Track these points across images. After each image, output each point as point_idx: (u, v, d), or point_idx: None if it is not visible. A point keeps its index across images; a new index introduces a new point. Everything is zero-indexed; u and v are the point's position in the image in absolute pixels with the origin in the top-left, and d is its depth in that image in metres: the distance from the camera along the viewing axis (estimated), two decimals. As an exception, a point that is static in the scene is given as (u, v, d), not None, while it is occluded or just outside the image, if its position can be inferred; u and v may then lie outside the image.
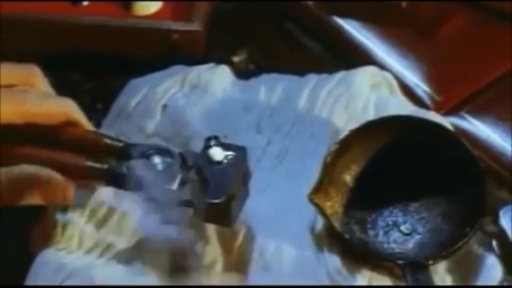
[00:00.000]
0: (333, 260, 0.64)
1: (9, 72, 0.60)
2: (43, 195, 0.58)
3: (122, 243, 0.66)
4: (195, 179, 0.59)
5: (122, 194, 0.65)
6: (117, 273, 0.64)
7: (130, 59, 0.82)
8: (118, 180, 0.60)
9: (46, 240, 0.66)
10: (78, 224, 0.66)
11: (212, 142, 0.60)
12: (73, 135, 0.61)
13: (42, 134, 0.60)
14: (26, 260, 0.66)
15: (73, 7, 0.83)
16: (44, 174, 0.58)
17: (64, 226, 0.66)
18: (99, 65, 0.81)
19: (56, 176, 0.58)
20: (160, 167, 0.60)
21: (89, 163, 0.59)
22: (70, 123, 0.60)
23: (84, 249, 0.66)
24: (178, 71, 0.78)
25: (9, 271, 0.67)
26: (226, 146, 0.60)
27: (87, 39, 0.82)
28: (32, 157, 0.59)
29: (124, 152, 0.61)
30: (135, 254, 0.65)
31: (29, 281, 0.64)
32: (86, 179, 0.61)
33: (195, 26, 0.82)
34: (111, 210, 0.67)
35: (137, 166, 0.60)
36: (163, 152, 0.61)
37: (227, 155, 0.60)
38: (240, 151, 0.61)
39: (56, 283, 0.63)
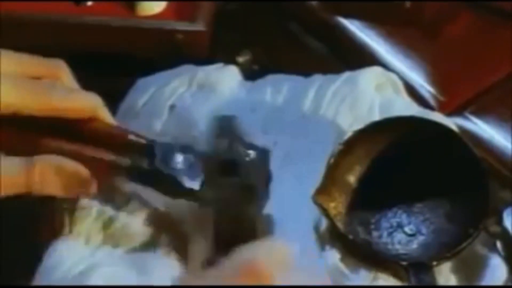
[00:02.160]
0: (336, 258, 0.65)
1: (36, 64, 0.60)
2: (65, 187, 0.58)
3: (130, 240, 0.66)
4: (216, 178, 0.59)
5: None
6: (125, 271, 0.64)
7: (134, 59, 0.82)
8: (140, 177, 0.60)
9: (55, 235, 0.66)
10: (86, 221, 0.66)
11: (235, 142, 0.60)
12: (98, 130, 0.61)
13: (68, 127, 0.60)
14: (34, 254, 0.66)
15: (77, 7, 0.83)
16: (69, 165, 0.58)
17: (73, 222, 0.66)
18: (102, 65, 0.81)
19: (81, 168, 0.58)
20: (183, 164, 0.60)
21: (112, 158, 0.59)
22: (95, 118, 0.61)
23: (92, 247, 0.66)
24: (186, 71, 0.78)
25: (18, 266, 0.67)
26: (249, 146, 0.61)
27: (91, 39, 0.82)
28: (57, 149, 0.59)
29: (148, 149, 0.61)
30: (144, 252, 0.65)
31: (38, 276, 0.64)
32: (109, 174, 0.61)
33: (199, 26, 0.82)
34: (120, 207, 0.67)
35: (159, 163, 0.60)
36: (186, 149, 0.61)
37: (249, 155, 0.61)
38: (263, 153, 0.61)
39: (67, 280, 0.63)
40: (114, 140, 0.61)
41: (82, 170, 0.59)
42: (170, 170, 0.59)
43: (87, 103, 0.60)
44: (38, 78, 0.60)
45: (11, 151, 0.59)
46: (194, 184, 0.59)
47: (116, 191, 0.66)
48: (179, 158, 0.60)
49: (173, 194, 0.61)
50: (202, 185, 0.59)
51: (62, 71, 0.62)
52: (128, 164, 0.60)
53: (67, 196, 0.61)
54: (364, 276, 0.64)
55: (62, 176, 0.58)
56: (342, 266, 0.64)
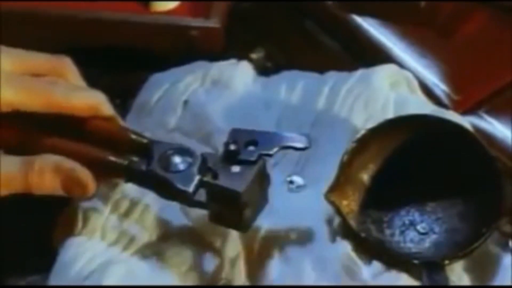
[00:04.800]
0: (348, 248, 0.65)
1: (40, 61, 0.60)
2: (64, 185, 0.58)
3: (145, 236, 0.66)
4: (211, 182, 0.59)
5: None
6: (140, 268, 0.64)
7: (148, 55, 0.82)
8: (137, 178, 0.61)
9: (69, 231, 0.66)
10: (101, 217, 0.67)
11: (232, 146, 0.60)
12: (98, 129, 0.61)
13: (68, 126, 0.60)
14: (49, 250, 0.66)
15: (92, 2, 0.83)
16: (67, 164, 0.58)
17: (87, 218, 0.66)
18: (117, 61, 0.82)
19: (79, 168, 0.58)
20: (179, 167, 0.60)
21: (110, 158, 0.59)
22: (97, 117, 0.60)
23: (107, 242, 0.66)
24: (200, 66, 0.78)
25: (33, 263, 0.68)
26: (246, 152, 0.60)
27: (106, 35, 0.82)
28: (57, 148, 0.59)
29: (147, 149, 0.61)
30: (159, 248, 0.66)
31: (54, 273, 0.64)
32: (107, 174, 0.61)
33: (213, 23, 0.82)
34: (134, 203, 0.68)
35: (156, 164, 0.60)
36: (184, 152, 0.61)
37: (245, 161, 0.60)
38: (260, 159, 0.61)
39: (82, 277, 0.63)
40: (115, 139, 0.61)
41: (81, 170, 0.58)
42: (165, 171, 0.59)
43: (90, 101, 0.60)
44: (42, 75, 0.60)
45: (11, 150, 0.59)
46: (187, 187, 0.59)
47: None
48: (176, 160, 0.60)
49: (167, 196, 0.61)
50: (196, 188, 0.59)
51: (66, 67, 0.61)
52: (126, 164, 0.60)
53: (66, 196, 0.61)
54: (376, 266, 0.64)
55: (61, 176, 0.58)
56: (354, 255, 0.64)
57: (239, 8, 0.87)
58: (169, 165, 0.60)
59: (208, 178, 0.59)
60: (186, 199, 0.60)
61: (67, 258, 0.65)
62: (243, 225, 0.61)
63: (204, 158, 0.60)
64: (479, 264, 0.65)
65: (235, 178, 0.59)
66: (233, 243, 0.65)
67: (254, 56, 0.84)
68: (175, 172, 0.59)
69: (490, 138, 0.74)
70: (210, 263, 0.65)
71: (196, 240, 0.66)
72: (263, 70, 0.81)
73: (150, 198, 0.67)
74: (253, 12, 0.89)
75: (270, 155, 0.60)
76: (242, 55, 0.82)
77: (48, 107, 0.58)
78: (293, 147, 0.61)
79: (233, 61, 0.79)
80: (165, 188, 0.60)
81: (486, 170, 0.66)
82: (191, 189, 0.59)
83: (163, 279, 0.64)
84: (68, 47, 0.66)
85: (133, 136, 0.62)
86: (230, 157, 0.60)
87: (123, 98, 0.78)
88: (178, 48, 0.82)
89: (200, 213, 0.67)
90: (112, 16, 0.82)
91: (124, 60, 0.82)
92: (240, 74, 0.77)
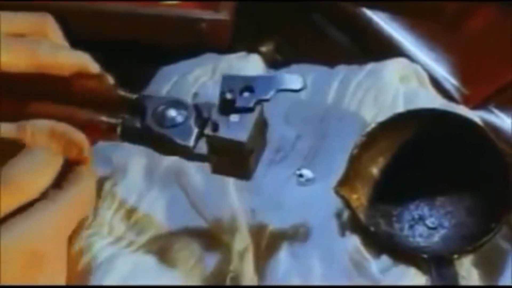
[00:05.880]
0: (357, 242, 0.65)
1: (20, 20, 0.57)
2: (58, 150, 0.55)
3: (152, 230, 0.66)
4: (213, 135, 0.57)
5: (152, 181, 0.65)
6: (147, 261, 0.64)
7: (156, 47, 0.82)
8: (132, 135, 0.58)
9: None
10: (108, 211, 0.67)
11: (229, 95, 0.57)
12: (85, 89, 0.58)
13: (55, 89, 0.57)
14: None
15: (101, -6, 0.83)
16: (58, 128, 0.55)
17: (95, 212, 0.66)
18: (126, 53, 0.81)
19: (71, 129, 0.56)
20: (175, 120, 0.57)
21: (102, 118, 0.57)
22: (84, 76, 0.58)
23: (114, 237, 0.66)
24: (209, 59, 0.78)
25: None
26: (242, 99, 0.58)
27: (116, 27, 0.82)
28: (46, 113, 0.56)
29: (139, 105, 0.58)
30: (166, 242, 0.66)
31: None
32: (101, 134, 0.58)
33: (222, 16, 0.82)
34: (141, 197, 0.68)
35: (151, 120, 0.57)
36: (177, 104, 0.58)
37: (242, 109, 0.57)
38: (257, 104, 0.58)
39: (91, 268, 0.63)
40: (104, 98, 0.58)
41: (75, 132, 0.56)
42: (161, 127, 0.57)
43: (76, 59, 0.57)
44: (24, 35, 0.57)
45: (1, 119, 0.57)
46: (187, 141, 0.57)
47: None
48: (171, 114, 0.58)
49: (166, 151, 0.59)
50: (196, 141, 0.57)
51: (48, 26, 0.58)
52: (118, 122, 0.57)
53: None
54: (385, 261, 0.64)
55: (55, 140, 0.55)
56: (363, 249, 0.64)
57: (248, 1, 0.87)
58: (164, 119, 0.57)
59: (208, 131, 0.57)
60: (186, 153, 0.58)
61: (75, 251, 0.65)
62: (246, 173, 0.59)
63: (199, 108, 0.58)
64: (488, 259, 0.65)
65: (236, 127, 0.57)
66: (242, 237, 0.65)
67: (263, 49, 0.83)
68: (171, 126, 0.57)
69: (499, 132, 0.74)
70: (217, 256, 0.65)
71: (203, 233, 0.66)
72: (273, 63, 0.81)
73: (157, 191, 0.67)
74: (262, 5, 0.89)
75: (267, 100, 0.58)
76: (250, 48, 0.82)
77: (33, 66, 0.55)
78: (289, 89, 0.58)
79: (242, 54, 0.78)
80: (163, 144, 0.58)
81: (495, 165, 0.66)
82: (191, 143, 0.57)
83: (170, 273, 0.64)
84: (75, 39, 0.66)
85: (122, 93, 0.59)
86: (226, 106, 0.57)
87: (131, 89, 0.78)
88: (187, 40, 0.82)
89: (208, 206, 0.67)
90: (120, 9, 0.82)
91: (132, 52, 0.82)
92: (249, 67, 0.77)
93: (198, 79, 0.76)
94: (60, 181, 0.52)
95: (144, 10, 0.82)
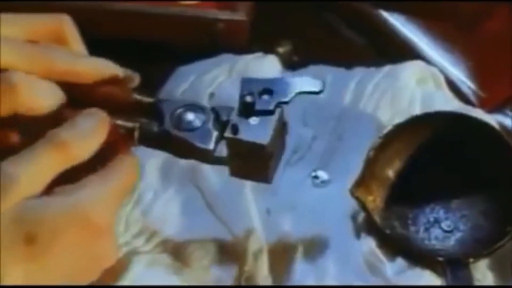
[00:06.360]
0: (372, 244, 0.65)
1: (37, 23, 0.55)
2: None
3: (168, 229, 0.67)
4: (233, 137, 0.56)
5: (169, 181, 0.65)
6: (162, 259, 0.64)
7: (173, 47, 0.82)
8: (150, 139, 0.57)
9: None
10: (124, 209, 0.67)
11: (248, 98, 0.56)
12: (102, 94, 0.56)
13: (71, 94, 0.57)
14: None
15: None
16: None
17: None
18: (143, 52, 0.82)
19: None
20: (194, 124, 0.57)
21: (119, 122, 0.56)
22: (102, 82, 0.56)
23: (131, 234, 0.66)
24: (226, 59, 0.78)
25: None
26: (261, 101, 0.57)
27: (133, 26, 0.82)
28: (62, 118, 0.54)
29: (155, 108, 0.58)
30: (181, 241, 0.66)
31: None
32: (118, 139, 0.57)
33: (239, 16, 0.82)
34: (157, 196, 0.68)
35: (169, 124, 0.56)
36: (195, 108, 0.57)
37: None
38: (277, 108, 0.57)
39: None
40: (119, 102, 0.57)
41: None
42: (180, 130, 0.56)
43: (94, 66, 0.55)
44: (40, 38, 0.55)
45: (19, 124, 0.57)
46: (207, 144, 0.56)
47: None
48: (189, 117, 0.57)
49: (184, 155, 0.58)
50: (215, 145, 0.56)
51: (66, 29, 0.57)
52: (136, 127, 0.56)
53: None
54: (400, 263, 0.64)
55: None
56: (378, 252, 0.64)
57: (264, 2, 0.87)
58: (183, 123, 0.56)
59: (228, 133, 0.56)
60: (205, 157, 0.57)
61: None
62: (266, 177, 0.59)
63: (217, 112, 0.57)
64: (503, 262, 0.65)
65: (256, 130, 0.56)
66: (257, 237, 0.65)
67: (280, 50, 0.83)
68: (190, 130, 0.56)
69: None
70: (232, 256, 0.65)
71: (218, 233, 0.66)
72: (289, 64, 0.81)
73: (173, 190, 0.67)
74: (279, 5, 0.89)
75: (286, 103, 0.57)
76: (267, 49, 0.82)
77: (51, 72, 0.53)
78: (308, 91, 0.57)
79: (259, 54, 0.79)
80: (182, 148, 0.57)
81: (511, 168, 0.66)
82: (211, 146, 0.56)
83: (186, 272, 0.64)
84: (92, 38, 0.66)
85: (139, 97, 0.58)
86: (246, 109, 0.57)
87: (147, 89, 0.78)
88: (204, 41, 0.82)
89: (223, 207, 0.67)
90: (138, 8, 0.82)
91: (150, 51, 0.82)
92: (266, 68, 0.77)
93: (214, 79, 0.76)
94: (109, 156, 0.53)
95: (161, 10, 0.82)
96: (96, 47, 0.64)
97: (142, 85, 0.70)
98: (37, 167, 0.47)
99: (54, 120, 0.53)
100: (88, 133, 0.50)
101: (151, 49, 0.81)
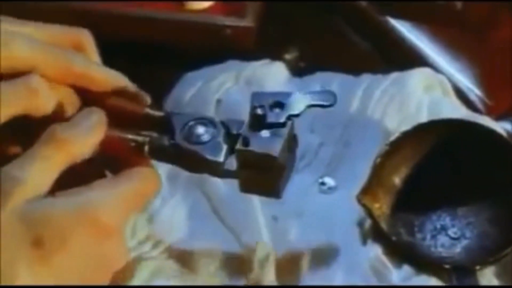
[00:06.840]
0: (378, 251, 0.65)
1: (57, 34, 0.56)
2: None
3: (174, 235, 0.67)
4: (244, 149, 0.56)
5: (176, 187, 0.65)
6: (168, 265, 0.64)
7: (181, 52, 0.82)
8: (160, 153, 0.57)
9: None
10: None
11: (259, 111, 0.56)
12: (111, 104, 0.57)
13: (84, 105, 0.58)
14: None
15: (128, 1, 0.83)
16: None
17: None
18: (149, 57, 0.82)
19: None
20: (204, 138, 0.57)
21: (129, 136, 0.56)
22: (115, 94, 0.57)
23: (137, 240, 0.66)
24: (233, 66, 0.78)
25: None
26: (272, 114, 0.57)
27: (142, 32, 0.82)
28: None
29: (166, 122, 0.57)
30: (188, 247, 0.66)
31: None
32: (129, 153, 0.57)
33: (246, 22, 0.82)
34: (164, 202, 0.68)
35: (180, 137, 0.56)
36: (205, 121, 0.57)
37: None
38: (288, 120, 0.57)
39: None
40: (129, 116, 0.57)
41: None
42: (190, 143, 0.56)
43: (109, 76, 0.56)
44: (60, 44, 0.56)
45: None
46: (218, 157, 0.56)
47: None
48: (199, 131, 0.57)
49: (195, 169, 0.58)
50: (225, 158, 0.56)
51: (85, 41, 0.58)
52: (147, 141, 0.56)
53: None
54: (406, 270, 0.64)
55: None
56: (385, 258, 0.64)
57: (272, 8, 0.87)
58: (193, 136, 0.56)
59: (239, 146, 0.56)
60: (216, 170, 0.57)
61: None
62: (276, 191, 0.58)
63: (227, 126, 0.57)
64: (510, 270, 0.65)
65: (267, 142, 0.56)
66: (263, 244, 0.65)
67: (287, 56, 0.84)
68: (201, 143, 0.56)
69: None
70: (239, 263, 0.65)
71: (225, 240, 0.66)
72: (296, 70, 0.81)
73: (180, 196, 0.67)
74: (285, 12, 0.89)
75: (297, 116, 0.57)
76: (274, 55, 0.82)
77: (64, 74, 0.54)
78: (319, 105, 0.58)
79: (266, 61, 0.79)
80: (193, 161, 0.57)
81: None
82: (221, 158, 0.56)
83: (192, 278, 0.64)
84: (102, 43, 0.66)
85: (149, 111, 0.58)
86: (257, 122, 0.57)
87: (154, 95, 0.78)
88: (211, 46, 0.82)
89: (230, 213, 0.67)
90: (146, 14, 0.82)
91: (157, 57, 0.82)
92: (273, 74, 0.77)
93: (221, 85, 0.76)
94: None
95: (169, 15, 0.83)
96: (105, 51, 0.64)
97: (150, 90, 0.70)
98: (41, 166, 0.47)
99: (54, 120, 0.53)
100: (87, 130, 0.51)
101: (159, 54, 0.82)
